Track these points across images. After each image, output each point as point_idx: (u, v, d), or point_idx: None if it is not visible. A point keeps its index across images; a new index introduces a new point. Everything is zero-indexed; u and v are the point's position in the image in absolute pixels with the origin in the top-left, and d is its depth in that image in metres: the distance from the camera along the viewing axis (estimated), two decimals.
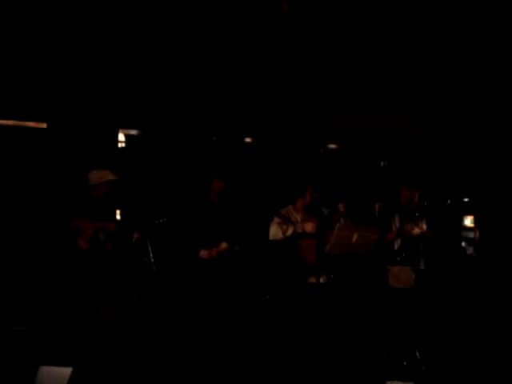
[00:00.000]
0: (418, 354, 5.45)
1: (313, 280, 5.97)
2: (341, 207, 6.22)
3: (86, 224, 5.84)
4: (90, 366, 4.93)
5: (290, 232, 6.08)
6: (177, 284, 6.16)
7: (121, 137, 7.61)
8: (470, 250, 8.23)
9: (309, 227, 6.04)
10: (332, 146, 8.30)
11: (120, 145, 7.59)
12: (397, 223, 6.16)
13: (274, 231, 6.15)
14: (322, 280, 5.99)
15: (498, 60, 6.74)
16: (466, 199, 8.37)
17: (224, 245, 6.04)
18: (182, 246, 6.04)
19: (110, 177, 6.05)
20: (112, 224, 5.99)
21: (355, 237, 5.58)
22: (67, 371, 4.50)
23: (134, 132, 7.65)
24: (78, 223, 5.84)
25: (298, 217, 6.22)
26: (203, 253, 6.00)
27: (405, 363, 5.38)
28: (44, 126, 7.10)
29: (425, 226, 6.13)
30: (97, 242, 5.87)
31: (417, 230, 6.01)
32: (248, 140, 8.01)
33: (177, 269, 6.17)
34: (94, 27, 6.27)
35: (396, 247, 6.12)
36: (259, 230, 6.32)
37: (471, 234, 8.32)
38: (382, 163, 8.47)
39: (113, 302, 5.86)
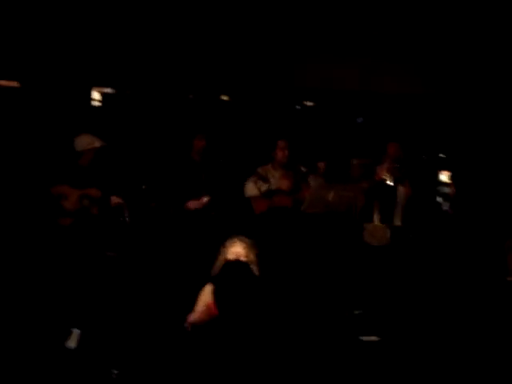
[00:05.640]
0: (391, 309, 5.55)
1: None
2: (320, 166, 6.23)
3: (69, 190, 5.79)
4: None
5: (264, 189, 6.10)
6: (155, 243, 6.19)
7: (96, 95, 7.52)
8: (446, 206, 8.30)
9: (284, 185, 6.07)
10: (309, 103, 8.27)
11: (95, 103, 7.51)
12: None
13: (249, 188, 6.18)
14: None
15: (477, 16, 6.70)
16: (441, 155, 8.42)
17: (206, 198, 6.08)
18: (166, 205, 6.06)
19: (97, 144, 5.94)
20: (96, 190, 5.92)
21: (331, 195, 5.62)
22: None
23: (108, 90, 7.55)
24: (62, 190, 5.78)
25: (277, 174, 6.22)
26: (191, 203, 6.05)
27: (378, 319, 5.48)
28: (16, 84, 6.98)
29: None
30: (82, 208, 5.82)
31: (385, 174, 6.06)
32: (225, 98, 7.95)
33: (156, 228, 6.20)
34: None
35: (373, 203, 6.18)
36: (238, 188, 6.33)
37: (447, 190, 8.38)
38: (358, 120, 8.47)
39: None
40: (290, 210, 6.02)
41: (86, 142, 5.92)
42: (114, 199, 5.97)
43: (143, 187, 5.94)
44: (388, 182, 6.08)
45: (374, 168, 6.23)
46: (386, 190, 6.15)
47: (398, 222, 6.17)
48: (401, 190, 6.21)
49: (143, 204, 6.11)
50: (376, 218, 6.15)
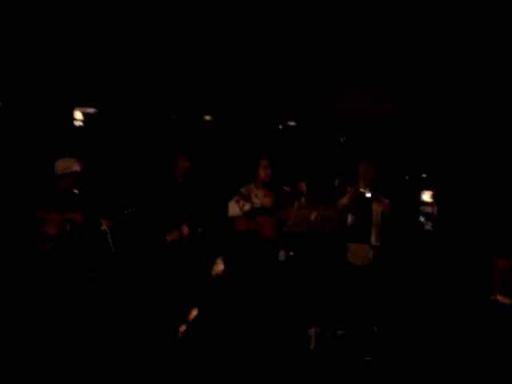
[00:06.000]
0: (376, 329, 5.54)
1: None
2: (302, 186, 6.24)
3: (51, 215, 5.71)
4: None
5: (246, 208, 6.11)
6: (138, 264, 6.17)
7: (78, 115, 7.49)
8: (429, 225, 8.35)
9: (266, 202, 6.08)
10: (291, 123, 8.30)
11: (78, 123, 7.48)
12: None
13: (232, 208, 6.18)
14: (280, 257, 6.03)
15: (456, 37, 6.77)
16: (424, 175, 8.48)
17: (185, 229, 6.04)
18: (149, 227, 6.03)
19: (75, 167, 5.86)
20: (77, 214, 5.85)
21: (314, 215, 5.62)
22: None
23: (91, 110, 7.53)
24: (43, 214, 5.69)
25: (259, 193, 6.23)
26: (169, 236, 6.03)
27: (363, 339, 5.46)
28: None
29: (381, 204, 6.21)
30: (64, 233, 5.75)
31: (367, 192, 6.08)
32: (208, 118, 7.96)
33: (140, 250, 6.17)
34: (47, 3, 6.11)
35: (349, 222, 6.20)
36: (222, 208, 6.32)
37: (429, 209, 8.43)
38: (341, 139, 8.50)
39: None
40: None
41: (64, 165, 5.86)
42: (105, 223, 5.90)
43: (125, 212, 5.88)
44: (366, 195, 6.10)
45: (346, 187, 6.25)
46: (363, 205, 6.17)
47: (374, 241, 6.17)
48: (374, 206, 6.23)
49: (126, 228, 6.08)
50: (353, 235, 6.16)
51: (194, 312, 3.58)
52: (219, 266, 4.37)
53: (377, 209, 6.23)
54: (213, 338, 3.36)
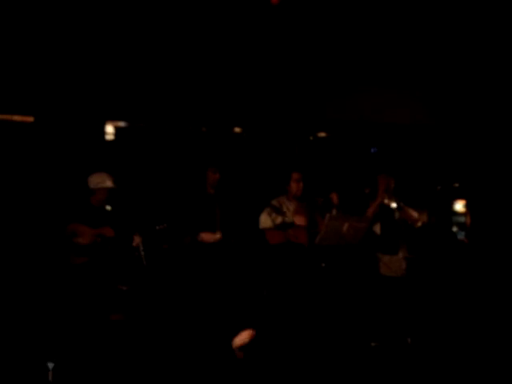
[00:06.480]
0: (409, 341, 5.48)
1: None
2: (334, 197, 6.21)
3: (83, 229, 5.75)
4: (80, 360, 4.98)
5: (278, 221, 6.08)
6: (169, 277, 6.19)
7: (110, 129, 7.56)
8: (462, 235, 8.26)
9: (299, 220, 6.05)
10: (322, 134, 8.28)
11: (109, 137, 7.55)
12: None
13: (264, 220, 6.15)
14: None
15: (484, 48, 6.73)
16: (456, 184, 8.39)
17: (218, 235, 6.08)
18: (180, 239, 6.06)
19: (107, 183, 5.89)
20: (109, 229, 5.88)
21: (346, 227, 5.58)
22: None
23: (122, 124, 7.59)
24: (76, 228, 5.73)
25: (291, 206, 6.20)
26: (204, 236, 6.05)
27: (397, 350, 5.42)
28: (31, 119, 7.04)
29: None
30: (95, 247, 5.79)
31: (392, 202, 6.02)
32: (237, 130, 7.97)
33: (171, 262, 6.20)
34: (79, 19, 6.19)
35: (377, 233, 6.15)
36: (252, 220, 6.32)
37: (462, 219, 8.34)
38: (372, 150, 8.46)
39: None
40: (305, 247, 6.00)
41: (97, 180, 5.89)
42: (136, 239, 5.93)
43: (157, 228, 5.90)
44: (392, 206, 6.04)
45: (369, 200, 6.21)
46: (390, 216, 6.11)
47: (403, 252, 6.09)
48: (401, 217, 6.16)
49: (157, 244, 6.12)
50: (381, 246, 6.11)
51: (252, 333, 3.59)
52: None
53: (404, 220, 6.17)
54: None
